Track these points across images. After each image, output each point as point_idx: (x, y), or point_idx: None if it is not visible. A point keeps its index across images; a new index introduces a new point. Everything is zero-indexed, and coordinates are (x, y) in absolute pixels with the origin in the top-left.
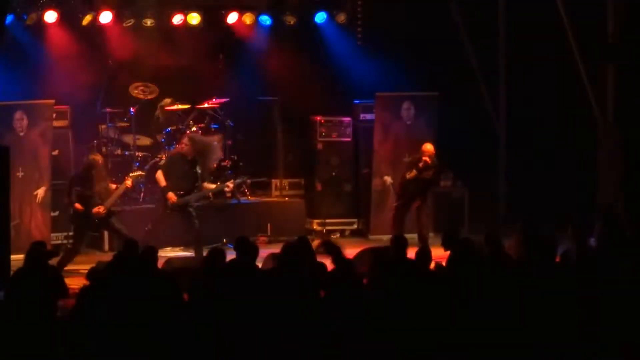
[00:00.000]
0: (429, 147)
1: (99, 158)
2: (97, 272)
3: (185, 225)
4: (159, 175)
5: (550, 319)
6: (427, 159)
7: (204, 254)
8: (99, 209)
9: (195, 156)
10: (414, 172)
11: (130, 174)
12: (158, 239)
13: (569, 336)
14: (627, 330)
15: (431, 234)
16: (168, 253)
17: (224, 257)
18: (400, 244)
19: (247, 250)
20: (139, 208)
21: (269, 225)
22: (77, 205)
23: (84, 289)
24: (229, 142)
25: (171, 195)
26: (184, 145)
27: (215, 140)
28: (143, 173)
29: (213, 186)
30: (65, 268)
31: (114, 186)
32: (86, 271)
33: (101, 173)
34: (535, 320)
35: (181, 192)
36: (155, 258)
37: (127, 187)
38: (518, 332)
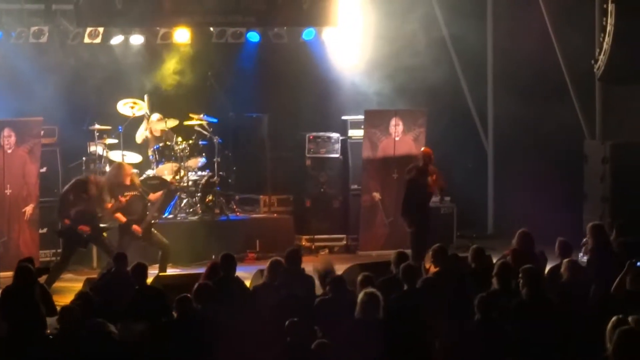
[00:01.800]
0: (426, 150)
1: (92, 179)
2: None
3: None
4: (119, 215)
5: (539, 335)
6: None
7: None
8: (137, 228)
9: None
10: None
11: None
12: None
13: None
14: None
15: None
16: (155, 270)
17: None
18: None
19: (231, 267)
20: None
21: (257, 241)
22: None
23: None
24: (218, 159)
25: (136, 227)
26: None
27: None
28: (137, 194)
29: (158, 194)
30: (54, 285)
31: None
32: (74, 288)
33: (93, 191)
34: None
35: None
36: (145, 274)
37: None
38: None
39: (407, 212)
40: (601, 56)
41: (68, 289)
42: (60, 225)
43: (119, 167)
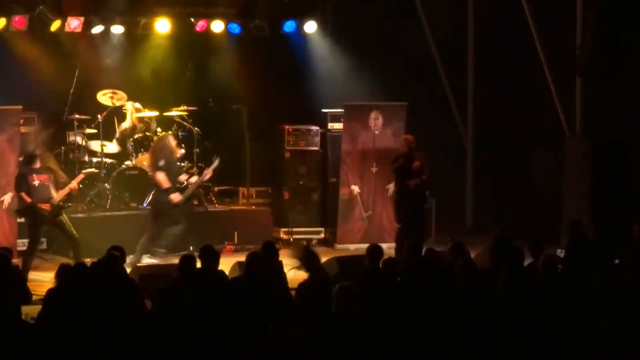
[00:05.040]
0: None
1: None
2: (66, 273)
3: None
4: (162, 176)
5: (518, 327)
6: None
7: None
8: (45, 206)
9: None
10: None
11: (83, 171)
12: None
13: (534, 344)
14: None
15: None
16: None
17: (196, 263)
18: (374, 253)
19: (212, 258)
20: (107, 215)
21: (235, 233)
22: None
23: (50, 291)
24: (197, 150)
25: (176, 196)
26: (173, 143)
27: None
28: (96, 171)
29: (194, 179)
30: (31, 276)
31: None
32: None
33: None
34: (502, 329)
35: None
36: (119, 263)
37: (72, 188)
38: (486, 341)
39: (397, 206)
40: (582, 52)
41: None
42: (19, 204)
43: (166, 138)
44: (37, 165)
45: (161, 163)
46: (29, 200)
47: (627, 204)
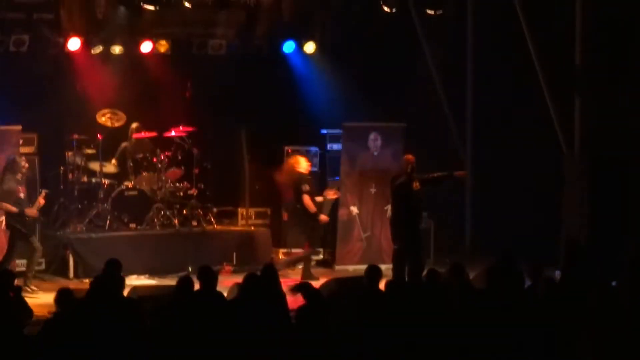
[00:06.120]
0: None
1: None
2: (66, 298)
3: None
4: (308, 200)
5: (515, 348)
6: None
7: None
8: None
9: None
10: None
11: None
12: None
13: None
14: None
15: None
16: (133, 281)
17: (193, 285)
18: (373, 274)
19: (210, 280)
20: (107, 236)
21: (234, 254)
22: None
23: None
24: (196, 171)
25: (325, 217)
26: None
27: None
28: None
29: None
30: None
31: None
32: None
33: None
34: (499, 350)
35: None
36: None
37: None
38: None
39: (394, 227)
40: (580, 70)
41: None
42: (8, 216)
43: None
44: (19, 176)
45: (305, 188)
46: (15, 210)
47: (627, 221)
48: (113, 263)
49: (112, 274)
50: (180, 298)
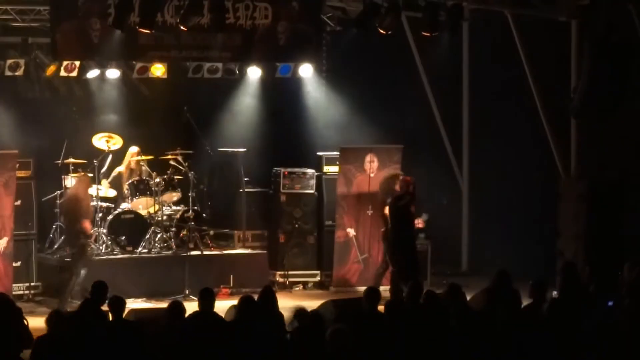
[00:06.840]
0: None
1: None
2: (57, 319)
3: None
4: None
5: None
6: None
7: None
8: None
9: None
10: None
11: None
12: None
13: None
14: None
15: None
16: (130, 304)
17: (184, 310)
18: (372, 296)
19: (210, 301)
20: (103, 259)
21: (231, 276)
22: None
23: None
24: (193, 194)
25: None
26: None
27: None
28: None
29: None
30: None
31: None
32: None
33: None
34: None
35: None
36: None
37: None
38: None
39: (394, 247)
40: (576, 94)
41: None
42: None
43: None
44: None
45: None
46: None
47: (623, 244)
48: (98, 285)
49: (99, 296)
50: (172, 322)
